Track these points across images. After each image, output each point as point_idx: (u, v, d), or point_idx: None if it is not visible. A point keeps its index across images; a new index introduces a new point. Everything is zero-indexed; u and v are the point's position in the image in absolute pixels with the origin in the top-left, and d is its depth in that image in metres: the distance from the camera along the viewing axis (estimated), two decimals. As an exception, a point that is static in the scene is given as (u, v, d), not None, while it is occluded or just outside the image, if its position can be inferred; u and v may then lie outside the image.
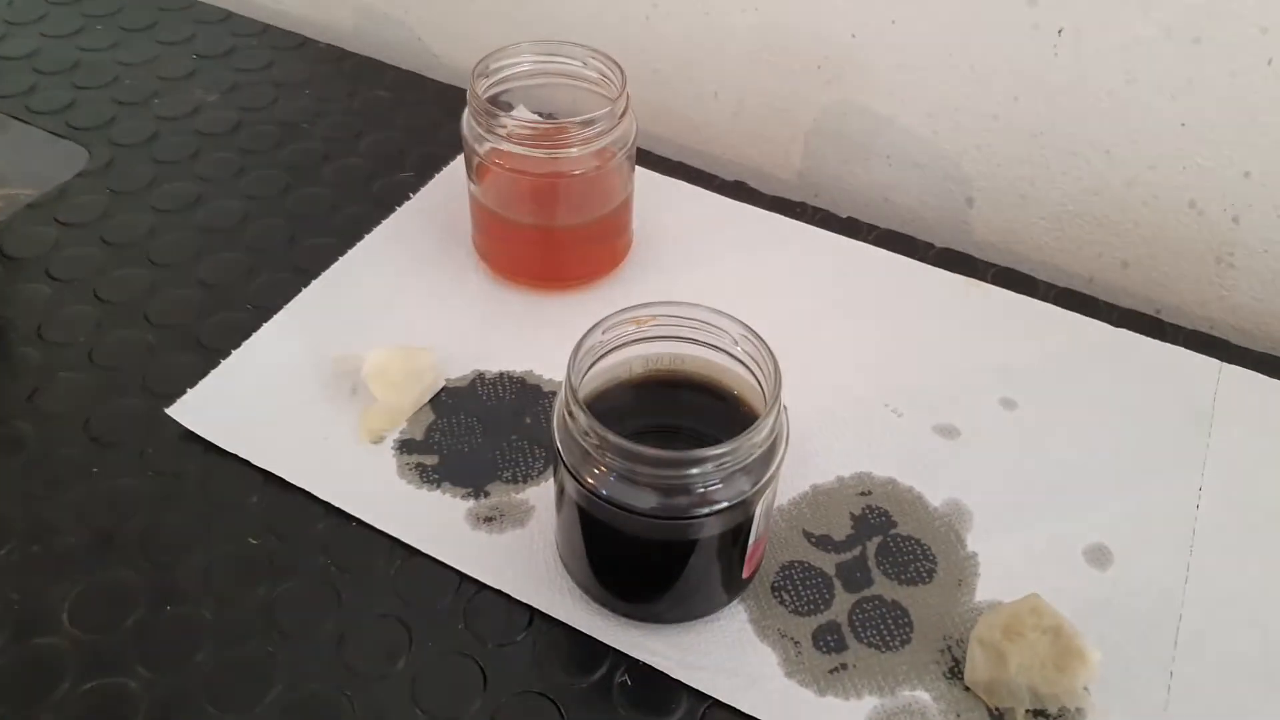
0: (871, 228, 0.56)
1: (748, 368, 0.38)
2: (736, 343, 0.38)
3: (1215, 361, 0.50)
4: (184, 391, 0.46)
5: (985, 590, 0.41)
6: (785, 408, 0.38)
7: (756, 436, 0.35)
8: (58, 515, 0.42)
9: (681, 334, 0.39)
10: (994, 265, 0.54)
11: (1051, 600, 0.40)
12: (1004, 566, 0.42)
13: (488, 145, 0.47)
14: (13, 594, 0.39)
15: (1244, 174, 0.51)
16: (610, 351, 0.39)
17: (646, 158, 0.60)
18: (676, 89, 0.63)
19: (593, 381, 0.39)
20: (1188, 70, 0.49)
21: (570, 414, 0.35)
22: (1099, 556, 0.42)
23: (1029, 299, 0.52)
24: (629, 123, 0.48)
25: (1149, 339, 0.51)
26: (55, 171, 0.56)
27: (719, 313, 0.38)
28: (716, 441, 0.34)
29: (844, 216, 0.57)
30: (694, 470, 0.35)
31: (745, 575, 0.39)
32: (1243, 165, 0.51)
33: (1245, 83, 0.49)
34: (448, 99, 0.62)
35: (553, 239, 0.50)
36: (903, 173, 0.59)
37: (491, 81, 0.49)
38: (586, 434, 0.35)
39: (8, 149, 0.59)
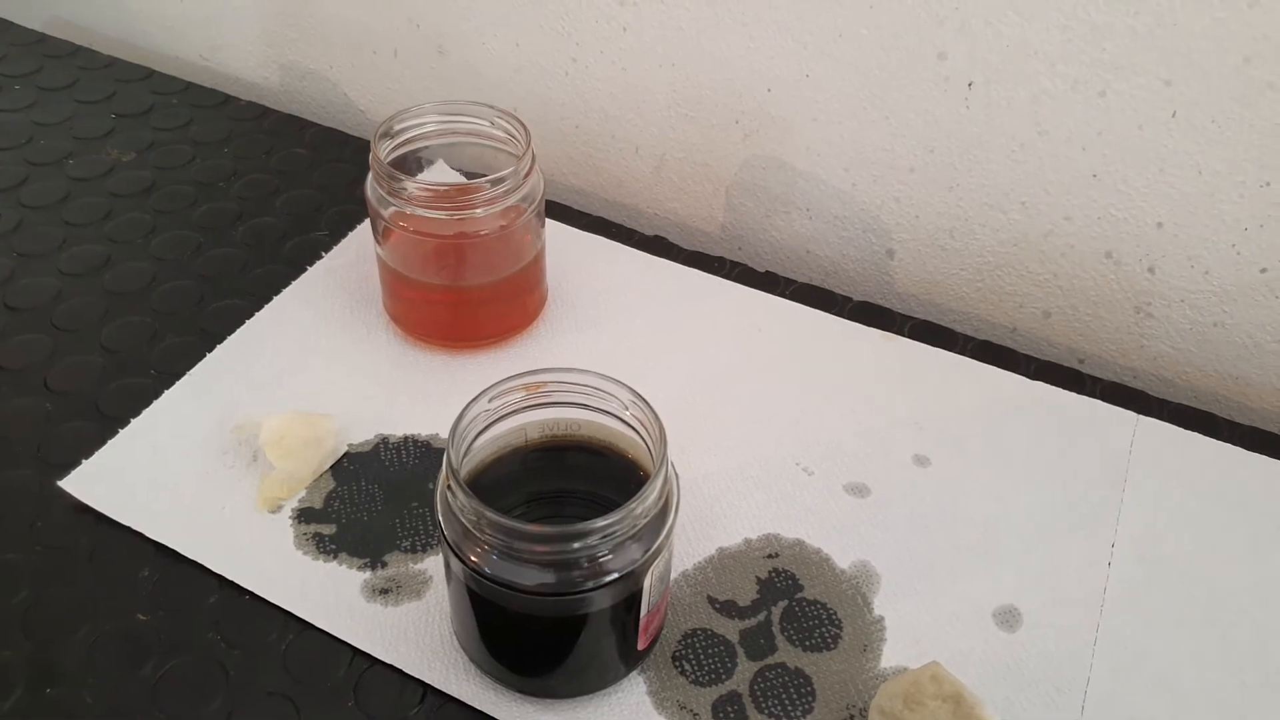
0: (789, 282, 0.56)
1: (638, 433, 0.38)
2: (626, 408, 0.38)
3: (1132, 414, 0.49)
4: (79, 462, 0.45)
5: (891, 656, 0.40)
6: (676, 473, 0.37)
7: (642, 505, 0.34)
8: (-61, 594, 0.40)
9: (574, 400, 0.39)
10: (912, 318, 0.54)
11: (958, 665, 0.40)
12: (911, 631, 0.41)
13: (391, 208, 0.47)
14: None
15: (1156, 224, 0.51)
16: (501, 419, 0.38)
17: (567, 213, 0.59)
18: (598, 145, 0.63)
19: (486, 449, 0.39)
20: (1096, 123, 0.50)
21: (450, 489, 0.35)
22: (1008, 618, 0.41)
23: (945, 352, 0.52)
24: (535, 180, 0.48)
25: (1065, 391, 0.50)
26: (-38, 235, 0.56)
27: (608, 378, 0.38)
28: (613, 505, 0.34)
29: (762, 271, 0.56)
30: (577, 544, 0.34)
31: (642, 647, 0.38)
32: (1154, 216, 0.51)
33: (1151, 135, 0.49)
34: (367, 155, 0.62)
35: (462, 299, 0.49)
36: (823, 225, 0.59)
37: (396, 143, 0.48)
38: (464, 510, 0.34)
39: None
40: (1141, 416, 0.49)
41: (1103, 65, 0.48)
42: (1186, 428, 0.49)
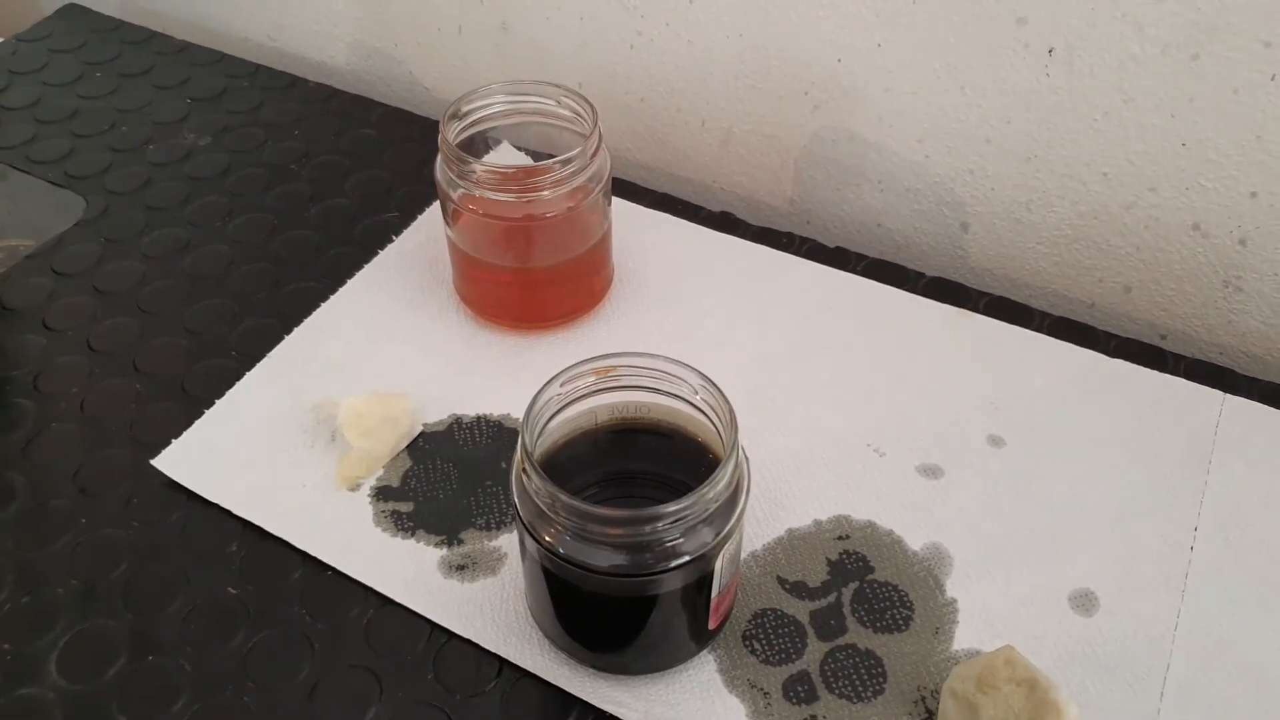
0: (861, 257, 0.55)
1: (708, 417, 0.38)
2: (696, 392, 0.38)
3: (1218, 393, 0.48)
4: (169, 441, 0.47)
5: (963, 639, 0.40)
6: (746, 457, 0.37)
7: (713, 490, 0.34)
8: (47, 566, 0.43)
9: (644, 383, 0.39)
10: (987, 294, 0.53)
11: (1033, 649, 0.39)
12: (984, 614, 0.41)
13: (460, 190, 0.47)
14: (4, 644, 0.40)
15: (1250, 194, 0.49)
16: (572, 402, 0.39)
17: (632, 189, 0.59)
18: (664, 118, 0.62)
19: (557, 431, 0.39)
20: (1188, 88, 0.48)
21: (525, 472, 0.35)
22: (1085, 602, 0.41)
23: (1022, 329, 0.51)
24: (602, 159, 0.48)
25: (1147, 370, 0.49)
26: (53, 221, 0.57)
27: (678, 363, 0.38)
28: (683, 486, 0.34)
29: (832, 246, 0.56)
30: (649, 528, 0.34)
31: (713, 626, 0.39)
32: (1248, 185, 0.49)
33: (1249, 100, 0.47)
34: (435, 135, 0.62)
35: (530, 280, 0.50)
36: (895, 198, 0.58)
37: (464, 124, 0.49)
38: (539, 492, 0.35)
39: (8, 200, 0.60)
40: (1229, 395, 0.48)
41: (1197, 27, 0.46)
42: (1277, 407, 0.47)
